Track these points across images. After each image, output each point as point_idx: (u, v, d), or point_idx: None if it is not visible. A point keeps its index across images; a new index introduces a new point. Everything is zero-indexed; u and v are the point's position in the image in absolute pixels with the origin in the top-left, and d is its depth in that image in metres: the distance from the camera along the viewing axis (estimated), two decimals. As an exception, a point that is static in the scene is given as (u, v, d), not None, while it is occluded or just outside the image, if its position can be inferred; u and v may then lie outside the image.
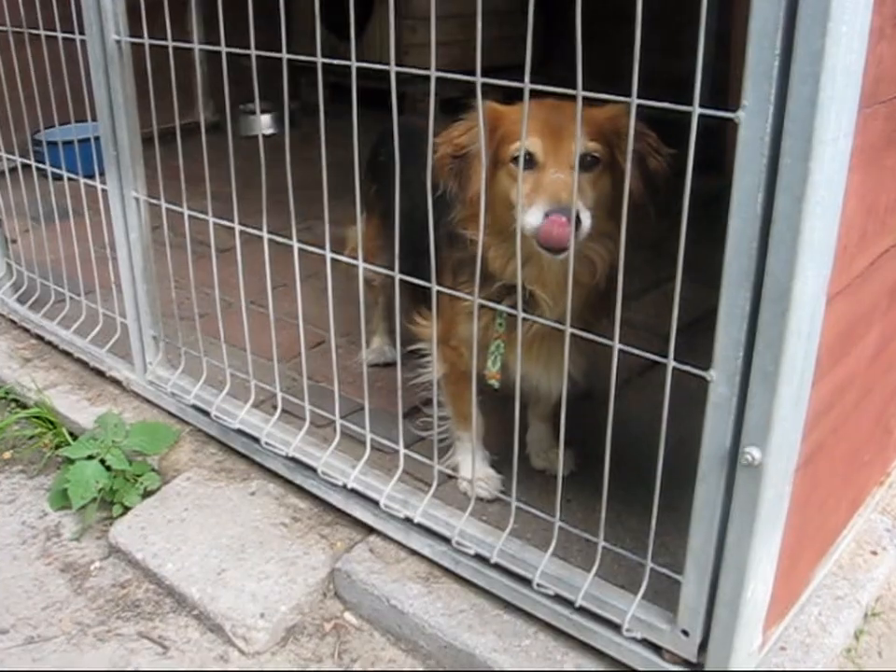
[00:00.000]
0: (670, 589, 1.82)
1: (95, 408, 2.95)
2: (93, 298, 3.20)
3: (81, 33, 2.53)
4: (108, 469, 2.61)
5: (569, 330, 1.76)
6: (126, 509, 2.59)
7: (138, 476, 2.65)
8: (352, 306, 2.61)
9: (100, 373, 3.11)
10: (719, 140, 4.70)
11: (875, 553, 2.28)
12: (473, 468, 2.22)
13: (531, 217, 1.86)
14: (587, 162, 1.93)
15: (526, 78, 1.61)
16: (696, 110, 1.43)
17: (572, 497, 2.38)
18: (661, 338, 2.62)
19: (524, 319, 2.00)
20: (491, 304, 1.97)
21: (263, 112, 5.96)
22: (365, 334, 3.23)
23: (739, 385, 1.53)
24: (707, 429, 1.59)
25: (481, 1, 1.55)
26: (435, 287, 1.97)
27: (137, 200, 2.59)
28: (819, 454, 1.82)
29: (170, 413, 2.87)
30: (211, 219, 2.38)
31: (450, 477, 2.49)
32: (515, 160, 1.90)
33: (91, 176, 2.81)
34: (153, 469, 2.70)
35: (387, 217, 1.99)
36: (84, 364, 3.18)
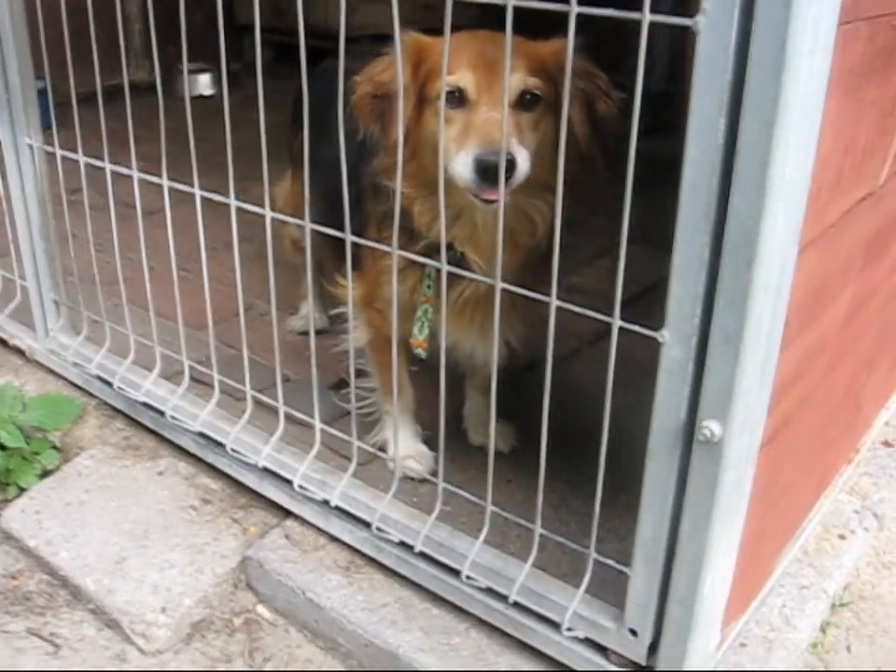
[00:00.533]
0: (618, 580, 1.60)
1: (-5, 380, 2.68)
2: (3, 263, 2.90)
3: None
4: (3, 447, 2.35)
5: (500, 285, 1.51)
6: (22, 490, 2.33)
7: (36, 454, 2.39)
8: (283, 271, 2.40)
9: (2, 342, 2.83)
10: (676, 104, 4.55)
11: (842, 537, 2.09)
12: (396, 442, 1.97)
13: (460, 164, 1.64)
14: (527, 101, 1.71)
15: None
16: (647, 17, 1.19)
17: (512, 477, 2.17)
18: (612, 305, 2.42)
19: (455, 281, 1.78)
20: (415, 258, 1.72)
21: (202, 72, 5.69)
22: (294, 300, 3.03)
23: (696, 347, 1.30)
24: (659, 399, 1.37)
25: None
26: (349, 238, 1.71)
27: (31, 147, 2.32)
28: (785, 429, 1.60)
29: (76, 386, 2.60)
30: (136, 174, 2.09)
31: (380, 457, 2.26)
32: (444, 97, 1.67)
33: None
34: (54, 447, 2.43)
35: (313, 171, 1.75)
36: (-14, 334, 2.89)
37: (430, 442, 2.26)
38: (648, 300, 2.95)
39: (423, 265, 1.89)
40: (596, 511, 1.54)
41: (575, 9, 1.26)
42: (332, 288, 2.19)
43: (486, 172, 1.59)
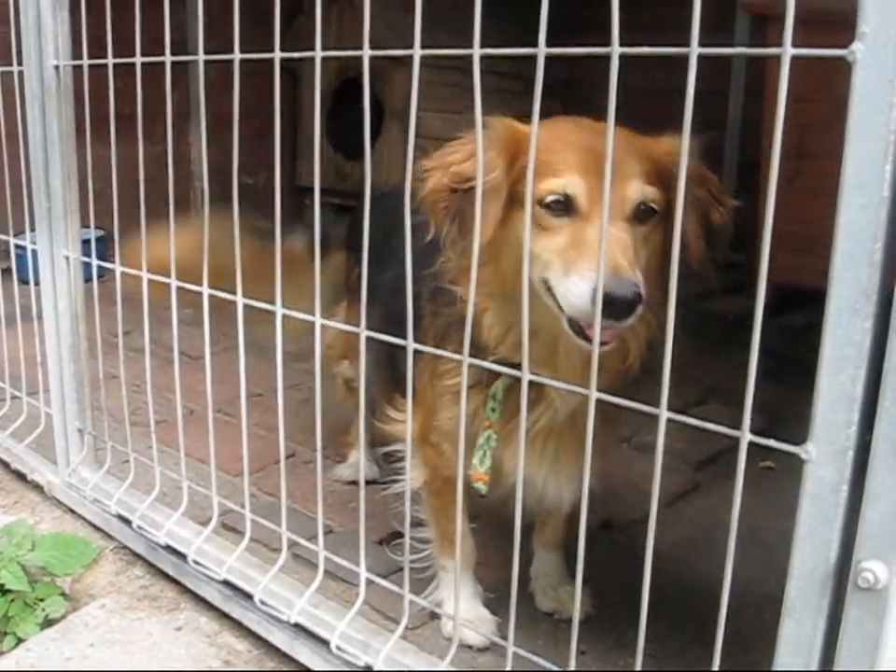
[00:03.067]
0: None
1: (8, 517, 2.42)
2: (38, 398, 2.70)
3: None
4: (4, 590, 2.07)
5: (594, 395, 1.24)
6: (20, 641, 2.02)
7: (41, 600, 2.09)
8: (331, 417, 2.21)
9: (22, 477, 2.59)
10: (742, 264, 4.39)
11: None
12: (456, 603, 1.61)
13: (574, 290, 1.36)
14: (641, 213, 1.45)
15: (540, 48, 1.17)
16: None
17: (587, 647, 1.84)
18: (690, 465, 2.15)
19: (529, 407, 1.49)
20: (489, 365, 1.44)
21: (257, 229, 5.70)
22: (343, 447, 2.78)
23: (853, 465, 1.01)
24: (801, 535, 1.06)
25: None
26: (412, 346, 1.45)
27: (67, 259, 2.14)
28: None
29: (94, 527, 2.33)
30: (174, 283, 1.88)
31: (433, 616, 1.94)
32: (549, 205, 1.44)
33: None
34: (62, 594, 2.14)
35: (371, 303, 1.51)
36: (6, 466, 2.65)
37: (492, 606, 1.95)
38: (727, 460, 2.66)
39: (487, 385, 1.65)
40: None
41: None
42: (384, 425, 1.93)
43: (612, 307, 1.27)
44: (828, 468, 1.02)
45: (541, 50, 1.15)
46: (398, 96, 5.39)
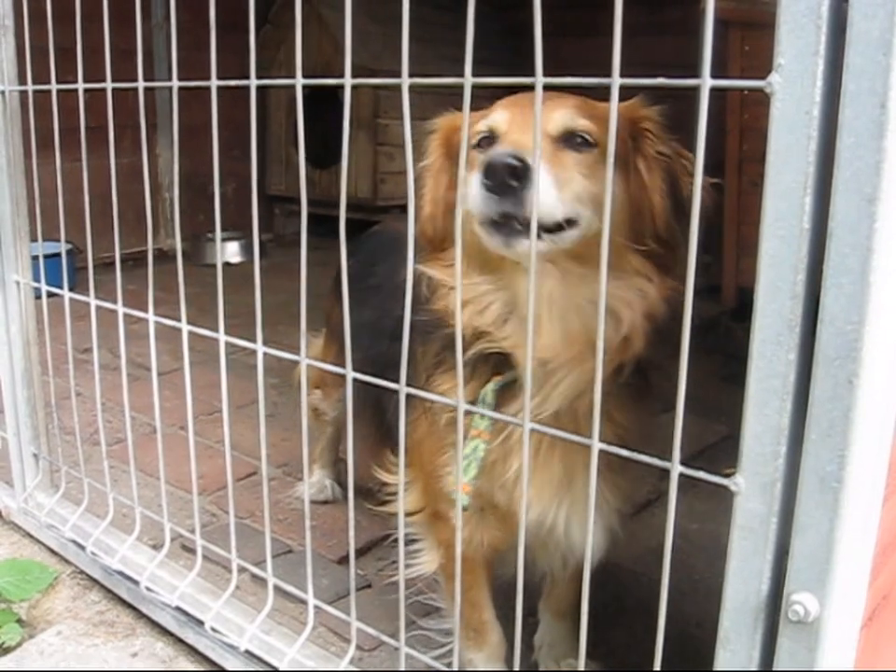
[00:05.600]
0: None
1: (-35, 544, 2.39)
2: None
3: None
4: (-42, 619, 2.04)
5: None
6: (-27, 671, 2.00)
7: (-4, 627, 2.07)
8: (295, 434, 2.10)
9: (-21, 502, 2.56)
10: (714, 266, 4.41)
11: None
12: None
13: (472, 186, 1.29)
14: (575, 143, 1.38)
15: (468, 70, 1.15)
16: (707, 82, 0.96)
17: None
18: (653, 474, 2.10)
19: (509, 399, 1.45)
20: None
21: (231, 240, 5.67)
22: (305, 465, 2.75)
23: (781, 497, 1.00)
24: (733, 568, 1.05)
25: None
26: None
27: (18, 284, 2.12)
28: (884, 605, 1.27)
29: (52, 551, 2.30)
30: (151, 318, 1.80)
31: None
32: (479, 143, 1.43)
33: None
34: (18, 620, 2.11)
35: (353, 340, 1.42)
36: (-36, 491, 2.62)
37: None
38: (690, 468, 2.63)
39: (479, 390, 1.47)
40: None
41: (617, 81, 1.04)
42: (379, 508, 1.76)
43: (493, 173, 1.24)
44: (756, 500, 1.01)
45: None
46: (365, 105, 5.38)
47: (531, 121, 1.17)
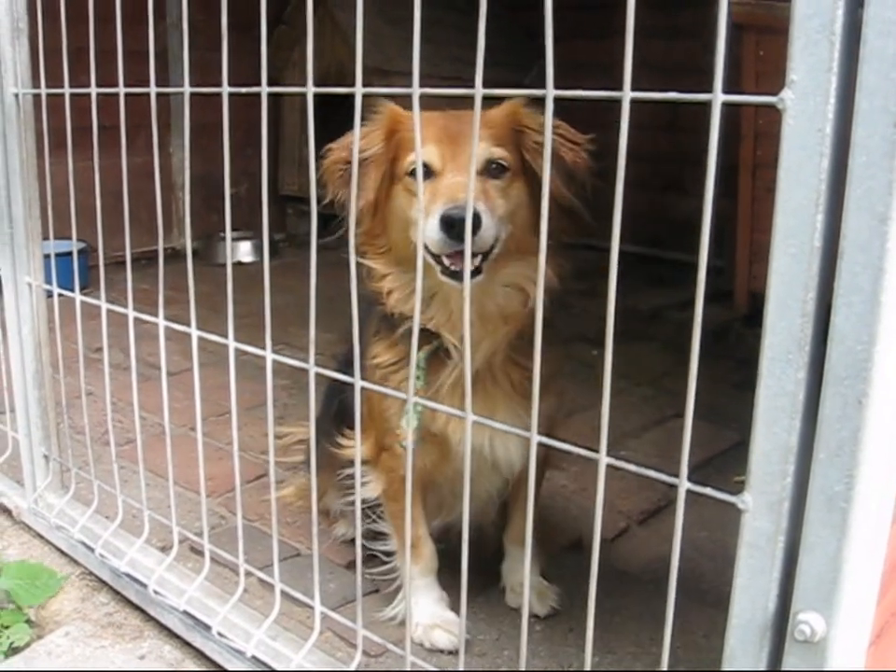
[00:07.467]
0: None
1: (-25, 543, 2.40)
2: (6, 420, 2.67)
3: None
4: (-32, 619, 2.05)
5: (535, 438, 1.23)
6: (-18, 671, 2.01)
7: (6, 628, 2.08)
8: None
9: (-8, 502, 2.57)
10: (727, 272, 4.38)
11: None
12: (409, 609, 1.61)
13: (429, 227, 1.58)
14: (493, 170, 1.70)
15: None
16: (718, 97, 0.95)
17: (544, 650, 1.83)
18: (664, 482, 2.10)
19: (439, 368, 1.78)
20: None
21: (243, 239, 5.66)
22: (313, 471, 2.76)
23: (789, 516, 1.00)
24: (740, 585, 1.05)
25: None
26: (359, 384, 1.49)
27: (30, 286, 2.12)
28: (893, 622, 1.26)
29: (61, 552, 2.31)
30: (161, 322, 1.82)
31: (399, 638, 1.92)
32: (411, 173, 1.70)
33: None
34: (28, 621, 2.12)
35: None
36: (-24, 490, 2.63)
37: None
38: (701, 475, 2.63)
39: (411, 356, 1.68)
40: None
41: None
42: (336, 450, 1.99)
43: (451, 227, 1.54)
44: (763, 518, 1.01)
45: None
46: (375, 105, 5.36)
47: (459, 155, 1.63)
